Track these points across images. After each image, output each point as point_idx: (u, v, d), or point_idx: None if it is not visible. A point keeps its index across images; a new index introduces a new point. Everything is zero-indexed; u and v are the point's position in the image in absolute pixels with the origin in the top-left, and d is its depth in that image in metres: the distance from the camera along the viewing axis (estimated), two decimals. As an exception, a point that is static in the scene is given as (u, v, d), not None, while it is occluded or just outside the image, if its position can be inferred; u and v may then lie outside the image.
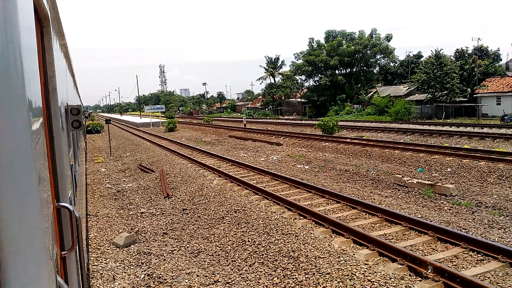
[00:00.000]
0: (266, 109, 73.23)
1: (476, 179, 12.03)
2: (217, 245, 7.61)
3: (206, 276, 6.34)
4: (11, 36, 0.92)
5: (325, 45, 58.60)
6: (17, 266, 0.84)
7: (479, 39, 49.92)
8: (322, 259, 6.28)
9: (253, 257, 6.82)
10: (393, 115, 40.52)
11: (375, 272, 5.78)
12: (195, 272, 6.51)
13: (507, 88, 40.11)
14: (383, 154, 16.94)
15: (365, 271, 5.81)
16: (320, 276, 5.80)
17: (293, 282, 5.79)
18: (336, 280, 5.63)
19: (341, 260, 6.20)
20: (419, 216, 8.52)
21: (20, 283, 0.85)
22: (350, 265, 6.01)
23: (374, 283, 5.49)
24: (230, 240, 7.69)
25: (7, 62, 0.88)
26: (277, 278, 5.99)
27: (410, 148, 17.46)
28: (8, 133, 0.87)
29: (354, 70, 58.70)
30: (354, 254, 6.50)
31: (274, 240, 7.26)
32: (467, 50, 49.39)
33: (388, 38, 56.16)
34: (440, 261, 6.01)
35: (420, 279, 5.65)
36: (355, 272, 5.81)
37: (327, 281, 5.65)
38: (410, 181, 11.58)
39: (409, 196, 10.63)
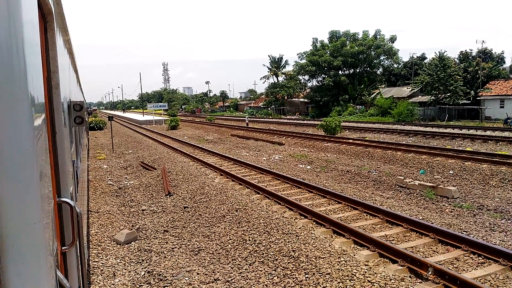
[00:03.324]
0: (269, 108, 73.18)
1: (478, 181, 11.99)
2: (217, 243, 7.62)
3: (206, 274, 6.34)
4: (15, 31, 0.93)
5: (329, 45, 58.54)
6: (16, 260, 0.84)
7: (483, 41, 49.52)
8: (322, 259, 6.28)
9: (254, 256, 6.82)
10: (395, 116, 40.43)
11: (375, 273, 5.78)
12: (195, 270, 6.52)
13: (511, 92, 39.95)
14: (385, 155, 16.91)
15: (365, 272, 5.81)
16: (320, 276, 5.80)
17: (293, 281, 5.79)
18: (336, 280, 5.63)
19: (342, 261, 6.20)
20: (420, 218, 8.50)
21: (19, 277, 0.86)
22: (351, 266, 6.01)
23: (374, 284, 5.48)
24: (230, 239, 7.70)
25: (10, 57, 0.88)
26: (277, 277, 6.00)
27: (413, 149, 17.42)
28: (10, 128, 0.87)
29: (358, 71, 58.61)
30: (354, 255, 6.49)
31: (275, 240, 7.26)
32: (471, 52, 49.24)
33: (392, 39, 56.07)
34: (441, 263, 6.00)
35: (421, 281, 5.64)
36: (355, 272, 5.80)
37: (327, 281, 5.65)
38: (412, 182, 11.55)
39: (410, 198, 10.60)
